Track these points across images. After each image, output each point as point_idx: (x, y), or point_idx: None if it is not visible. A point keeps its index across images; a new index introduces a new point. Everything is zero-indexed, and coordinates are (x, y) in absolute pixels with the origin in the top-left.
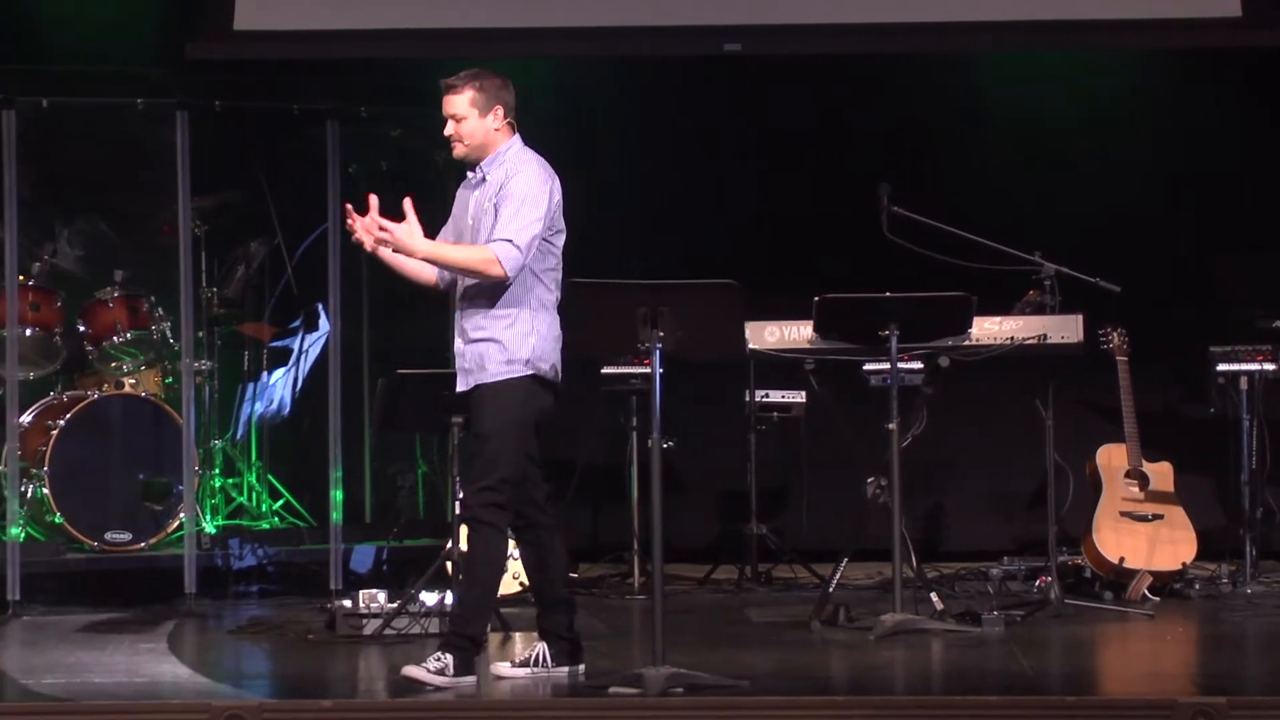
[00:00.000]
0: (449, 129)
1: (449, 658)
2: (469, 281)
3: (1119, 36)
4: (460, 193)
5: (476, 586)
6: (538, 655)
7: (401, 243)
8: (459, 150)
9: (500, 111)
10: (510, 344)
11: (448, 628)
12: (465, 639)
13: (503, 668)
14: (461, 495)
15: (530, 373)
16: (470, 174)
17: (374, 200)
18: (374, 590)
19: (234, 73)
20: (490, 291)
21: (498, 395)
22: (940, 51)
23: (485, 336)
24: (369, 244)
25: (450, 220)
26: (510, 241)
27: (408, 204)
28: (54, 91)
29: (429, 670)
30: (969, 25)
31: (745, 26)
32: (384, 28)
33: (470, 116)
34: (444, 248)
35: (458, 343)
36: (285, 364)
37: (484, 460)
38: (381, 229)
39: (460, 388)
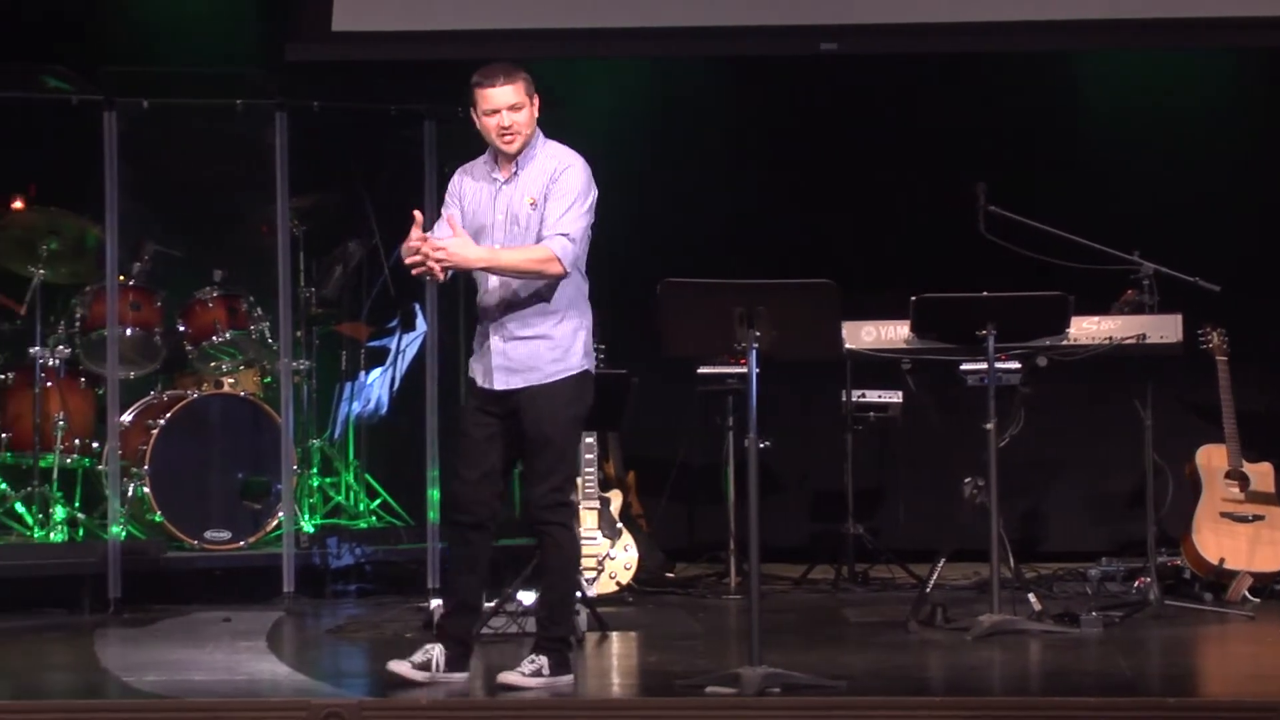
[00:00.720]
0: (504, 120)
1: (543, 659)
2: (512, 280)
3: (1218, 34)
4: (470, 187)
5: (558, 586)
6: (435, 661)
7: (458, 257)
8: (516, 143)
9: (538, 101)
10: (562, 341)
11: (537, 630)
12: (557, 640)
13: (402, 666)
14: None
15: (583, 369)
16: (472, 166)
17: (419, 216)
18: None
19: (332, 73)
20: (538, 288)
21: (554, 395)
22: (1038, 50)
23: (535, 334)
24: (435, 268)
25: (452, 216)
26: (565, 235)
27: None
28: (155, 92)
29: (524, 674)
30: (1066, 24)
31: (841, 26)
32: (481, 28)
33: (527, 105)
34: (499, 253)
35: (495, 340)
36: (382, 364)
37: (547, 461)
38: (436, 249)
39: (500, 386)
